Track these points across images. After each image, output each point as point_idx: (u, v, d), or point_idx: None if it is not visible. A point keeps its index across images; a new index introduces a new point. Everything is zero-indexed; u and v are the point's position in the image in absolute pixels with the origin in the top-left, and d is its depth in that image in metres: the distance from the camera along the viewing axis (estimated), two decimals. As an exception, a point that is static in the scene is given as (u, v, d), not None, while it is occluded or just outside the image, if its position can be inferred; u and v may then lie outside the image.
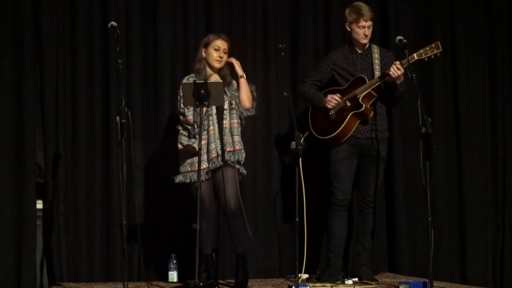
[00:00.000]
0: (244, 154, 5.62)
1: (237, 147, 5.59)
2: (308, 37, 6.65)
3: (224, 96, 5.55)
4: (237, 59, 5.76)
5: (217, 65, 5.63)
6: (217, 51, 5.62)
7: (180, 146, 5.63)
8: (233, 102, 5.63)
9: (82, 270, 6.16)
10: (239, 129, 5.65)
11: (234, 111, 5.63)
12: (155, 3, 6.40)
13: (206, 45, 5.65)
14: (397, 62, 5.67)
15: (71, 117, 6.22)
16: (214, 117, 5.58)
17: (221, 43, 5.63)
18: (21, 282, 5.95)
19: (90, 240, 6.20)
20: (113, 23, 5.19)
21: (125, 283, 5.03)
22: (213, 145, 5.54)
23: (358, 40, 5.89)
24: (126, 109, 5.10)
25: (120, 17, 6.24)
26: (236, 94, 5.64)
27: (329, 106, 5.86)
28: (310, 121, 6.02)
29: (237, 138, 5.61)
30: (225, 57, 5.64)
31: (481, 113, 6.93)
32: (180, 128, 5.63)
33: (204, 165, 5.49)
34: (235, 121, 5.63)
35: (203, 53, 5.65)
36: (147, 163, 6.38)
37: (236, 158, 5.58)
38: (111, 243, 6.21)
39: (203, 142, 5.44)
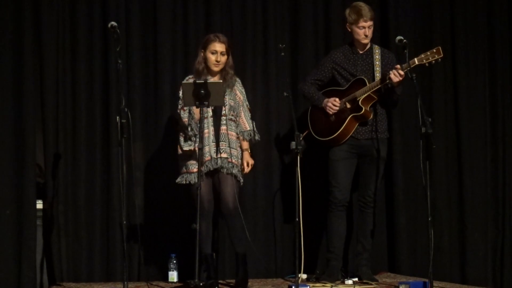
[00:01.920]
0: (239, 168, 5.62)
1: (234, 161, 5.57)
2: (308, 37, 6.65)
3: (225, 101, 5.55)
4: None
5: (215, 68, 5.59)
6: (214, 54, 5.57)
7: (179, 150, 5.63)
8: (233, 112, 5.63)
9: (82, 270, 6.17)
10: (238, 143, 5.64)
11: (233, 122, 5.62)
12: (155, 3, 6.40)
13: (204, 47, 5.60)
14: (398, 67, 5.65)
15: (71, 117, 6.22)
16: (210, 120, 5.55)
17: (219, 46, 5.56)
18: (21, 282, 5.95)
19: (90, 240, 6.20)
20: (113, 23, 5.18)
21: (125, 283, 5.02)
22: (206, 148, 5.51)
23: (359, 41, 5.88)
24: (126, 109, 5.09)
25: (120, 17, 6.24)
26: (237, 103, 5.63)
27: (330, 112, 5.86)
28: (310, 121, 6.02)
29: (235, 152, 5.59)
30: (223, 59, 5.58)
31: (481, 113, 6.93)
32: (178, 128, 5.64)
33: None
34: (233, 133, 5.61)
35: (202, 54, 5.63)
36: (147, 163, 6.38)
37: (232, 171, 5.56)
38: (111, 243, 6.21)
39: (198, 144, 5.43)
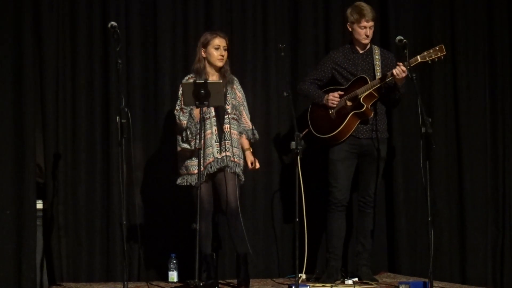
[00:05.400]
0: (242, 167, 5.62)
1: (236, 160, 5.58)
2: (308, 37, 6.65)
3: (228, 100, 5.55)
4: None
5: (219, 63, 5.62)
6: (217, 50, 5.61)
7: (178, 148, 5.63)
8: (235, 111, 5.63)
9: (82, 270, 6.17)
10: (239, 142, 5.64)
11: (235, 121, 5.62)
12: (155, 3, 6.41)
13: (205, 45, 5.63)
14: (401, 64, 5.65)
15: (71, 117, 6.22)
16: (212, 120, 5.55)
17: (220, 41, 5.61)
18: (21, 282, 5.95)
19: (90, 240, 6.20)
20: (113, 23, 5.18)
21: (125, 283, 5.02)
22: (210, 149, 5.52)
23: (360, 40, 5.88)
24: (126, 109, 5.09)
25: (120, 17, 6.24)
26: (238, 102, 5.64)
27: (332, 105, 5.86)
28: (310, 119, 6.01)
29: (237, 151, 5.60)
30: (225, 53, 5.63)
31: (481, 113, 6.92)
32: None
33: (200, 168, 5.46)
34: (235, 132, 5.62)
35: (202, 53, 5.64)
36: (147, 163, 6.38)
37: (236, 170, 5.57)
38: (111, 243, 6.21)
39: (198, 144, 5.43)
